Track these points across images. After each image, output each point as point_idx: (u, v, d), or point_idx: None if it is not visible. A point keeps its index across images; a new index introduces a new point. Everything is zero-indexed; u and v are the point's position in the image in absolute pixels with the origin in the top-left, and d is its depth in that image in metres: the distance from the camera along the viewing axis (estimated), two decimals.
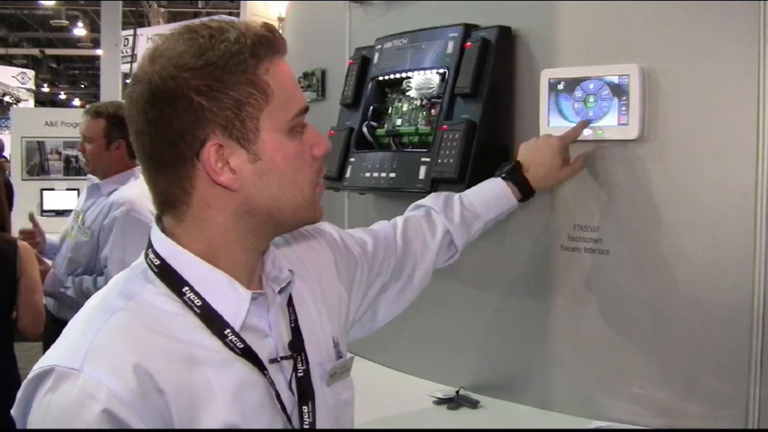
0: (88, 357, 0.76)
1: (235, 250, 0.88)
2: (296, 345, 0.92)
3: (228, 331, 0.84)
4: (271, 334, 0.90)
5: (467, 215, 1.35)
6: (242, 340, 0.85)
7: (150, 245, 0.88)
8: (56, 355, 0.79)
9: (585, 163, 1.48)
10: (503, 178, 1.41)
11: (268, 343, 0.89)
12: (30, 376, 0.79)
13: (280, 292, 0.93)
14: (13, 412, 0.80)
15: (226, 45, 0.82)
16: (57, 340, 0.82)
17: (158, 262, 0.86)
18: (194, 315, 0.84)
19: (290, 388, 0.90)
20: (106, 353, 0.77)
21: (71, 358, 0.77)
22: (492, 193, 1.40)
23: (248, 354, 0.85)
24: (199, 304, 0.84)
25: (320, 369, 0.96)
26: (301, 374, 0.91)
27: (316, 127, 0.93)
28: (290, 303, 0.95)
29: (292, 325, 0.94)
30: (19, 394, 0.79)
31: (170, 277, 0.85)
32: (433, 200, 1.37)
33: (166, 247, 0.86)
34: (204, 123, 0.82)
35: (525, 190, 1.41)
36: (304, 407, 0.90)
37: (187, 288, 0.84)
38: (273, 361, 0.89)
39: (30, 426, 0.77)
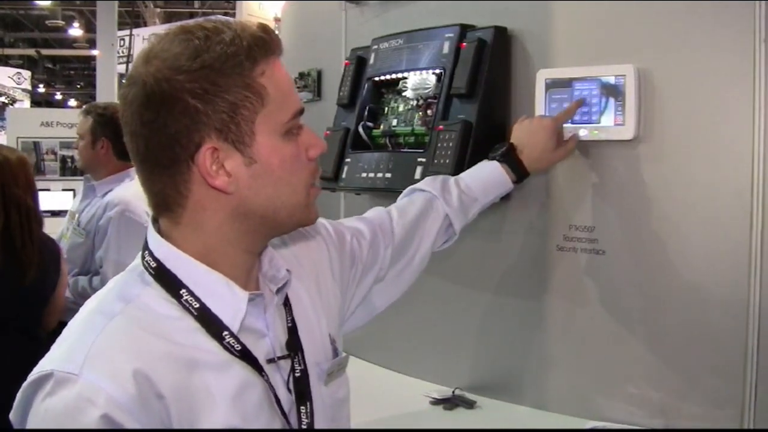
0: (87, 362, 0.76)
1: (231, 252, 0.88)
2: (293, 345, 0.92)
3: (226, 333, 0.84)
4: (268, 334, 0.90)
5: (465, 199, 1.35)
6: (240, 342, 0.85)
7: (146, 247, 0.88)
8: (55, 359, 0.78)
9: (577, 147, 1.48)
10: (498, 161, 1.41)
11: (265, 343, 0.89)
12: (28, 380, 0.78)
13: (277, 292, 0.93)
14: (11, 416, 0.79)
15: (222, 47, 0.81)
16: (55, 344, 0.82)
17: (155, 265, 0.85)
18: (192, 317, 0.83)
19: (288, 388, 0.90)
20: (106, 358, 0.76)
21: (70, 362, 0.76)
22: (489, 177, 1.40)
23: (246, 356, 0.85)
24: (197, 306, 0.84)
25: (318, 369, 0.96)
26: (299, 374, 0.91)
27: (311, 128, 0.93)
28: (286, 302, 0.95)
29: (289, 324, 0.94)
30: (17, 398, 0.79)
31: (167, 280, 0.84)
32: (430, 184, 1.36)
33: (163, 249, 0.86)
34: (199, 126, 0.81)
35: (519, 172, 1.42)
36: (302, 407, 0.90)
37: (184, 290, 0.84)
38: (270, 361, 0.88)
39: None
